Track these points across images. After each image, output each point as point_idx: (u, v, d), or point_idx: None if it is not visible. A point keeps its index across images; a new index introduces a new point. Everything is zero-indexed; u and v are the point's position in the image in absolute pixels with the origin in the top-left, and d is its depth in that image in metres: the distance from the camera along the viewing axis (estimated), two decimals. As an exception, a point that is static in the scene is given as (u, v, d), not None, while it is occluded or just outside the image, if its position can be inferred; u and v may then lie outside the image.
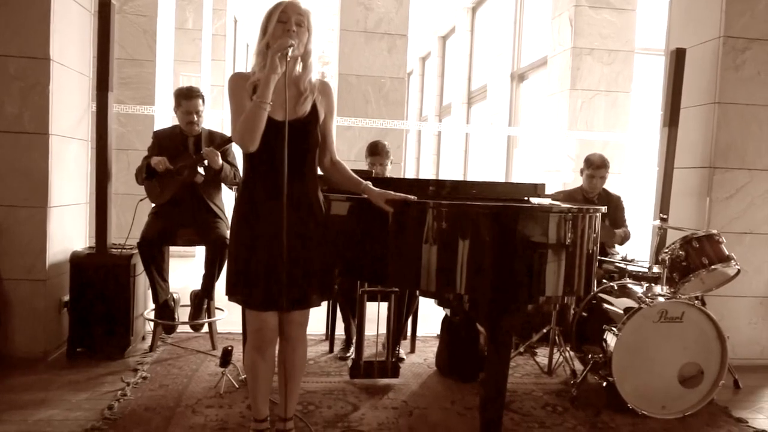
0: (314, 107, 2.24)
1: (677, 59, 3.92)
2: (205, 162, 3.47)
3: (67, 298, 3.49)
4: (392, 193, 2.26)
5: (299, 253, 2.17)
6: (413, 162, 14.24)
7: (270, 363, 2.33)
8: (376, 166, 3.78)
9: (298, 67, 2.20)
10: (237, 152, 3.72)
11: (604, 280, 3.53)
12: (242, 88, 2.15)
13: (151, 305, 3.65)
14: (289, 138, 2.08)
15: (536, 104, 7.51)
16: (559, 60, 6.04)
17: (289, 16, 2.10)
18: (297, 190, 2.17)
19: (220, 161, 3.46)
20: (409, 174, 13.38)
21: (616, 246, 4.03)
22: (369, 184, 2.31)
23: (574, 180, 5.49)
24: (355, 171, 2.43)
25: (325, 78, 2.34)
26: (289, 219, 2.12)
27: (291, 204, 2.13)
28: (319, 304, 2.33)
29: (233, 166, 3.63)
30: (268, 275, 2.15)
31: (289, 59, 2.04)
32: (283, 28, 2.09)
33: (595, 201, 4.00)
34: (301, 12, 2.13)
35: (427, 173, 12.85)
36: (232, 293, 2.25)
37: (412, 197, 2.26)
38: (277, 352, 2.38)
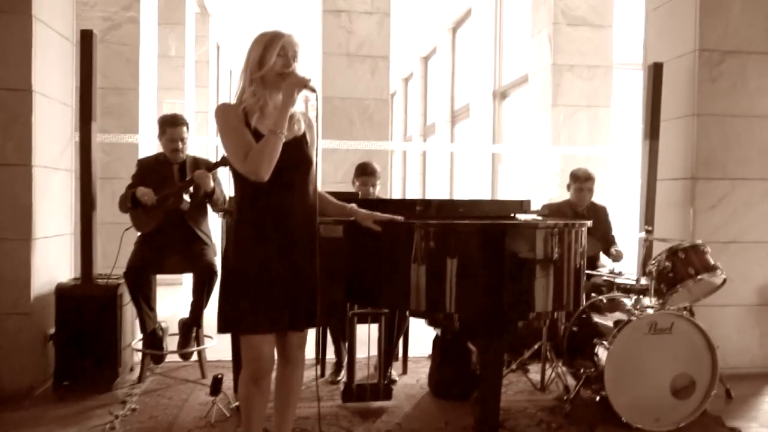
0: (304, 131, 2.27)
1: (655, 73, 3.98)
2: (191, 189, 3.45)
3: (52, 330, 3.44)
4: (379, 214, 2.28)
5: (310, 271, 2.18)
6: (399, 182, 14.29)
7: (266, 394, 2.28)
8: (367, 186, 3.77)
9: None
10: (222, 178, 3.72)
11: (593, 294, 3.54)
12: (236, 117, 2.15)
13: (139, 335, 3.60)
14: (293, 156, 2.15)
15: (519, 121, 7.59)
16: (540, 77, 6.12)
17: (287, 51, 2.15)
18: (305, 207, 2.19)
19: (212, 183, 3.44)
20: (396, 194, 13.42)
21: (611, 261, 4.04)
22: (354, 206, 2.32)
23: (560, 195, 5.53)
24: (342, 193, 2.43)
25: (310, 102, 2.37)
26: (301, 237, 2.17)
27: (301, 222, 2.17)
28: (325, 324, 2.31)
29: (221, 191, 3.61)
30: (284, 295, 2.15)
31: (302, 91, 2.15)
32: (283, 63, 2.14)
33: (584, 213, 4.04)
34: (296, 47, 2.19)
35: (413, 193, 12.90)
36: (237, 325, 2.19)
37: (398, 217, 2.28)
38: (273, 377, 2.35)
